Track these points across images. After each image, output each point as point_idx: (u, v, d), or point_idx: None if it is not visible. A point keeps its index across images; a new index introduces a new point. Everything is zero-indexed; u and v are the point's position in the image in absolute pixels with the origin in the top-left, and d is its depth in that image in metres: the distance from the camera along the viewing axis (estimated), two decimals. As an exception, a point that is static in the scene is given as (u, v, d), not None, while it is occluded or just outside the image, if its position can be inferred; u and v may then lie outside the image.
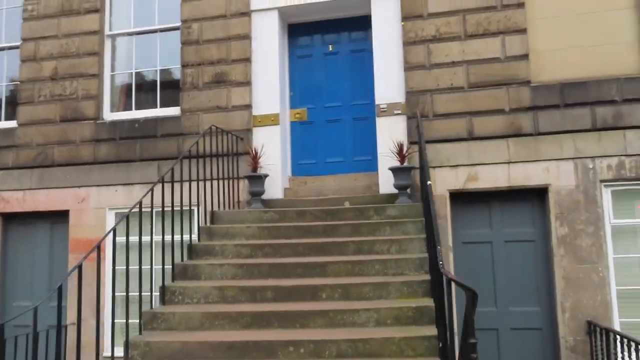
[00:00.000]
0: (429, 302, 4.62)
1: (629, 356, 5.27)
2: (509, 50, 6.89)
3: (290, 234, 5.97)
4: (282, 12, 7.67)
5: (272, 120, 7.40)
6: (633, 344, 5.24)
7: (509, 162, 6.70)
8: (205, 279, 5.53)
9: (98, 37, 8.11)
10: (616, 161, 6.50)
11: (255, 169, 7.04)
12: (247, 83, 7.50)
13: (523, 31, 6.90)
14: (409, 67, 7.08)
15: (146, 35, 8.15)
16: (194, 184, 5.92)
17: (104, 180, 7.78)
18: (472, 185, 6.74)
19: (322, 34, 7.83)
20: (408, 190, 6.61)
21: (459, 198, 6.87)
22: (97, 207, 7.76)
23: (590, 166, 6.53)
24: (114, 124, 7.92)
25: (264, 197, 7.08)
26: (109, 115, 8.09)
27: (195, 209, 6.72)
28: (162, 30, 8.07)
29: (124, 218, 4.91)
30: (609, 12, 6.86)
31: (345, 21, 7.75)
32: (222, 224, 6.42)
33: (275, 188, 7.24)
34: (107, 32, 8.23)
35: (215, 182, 6.74)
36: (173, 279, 5.50)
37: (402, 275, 5.13)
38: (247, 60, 7.54)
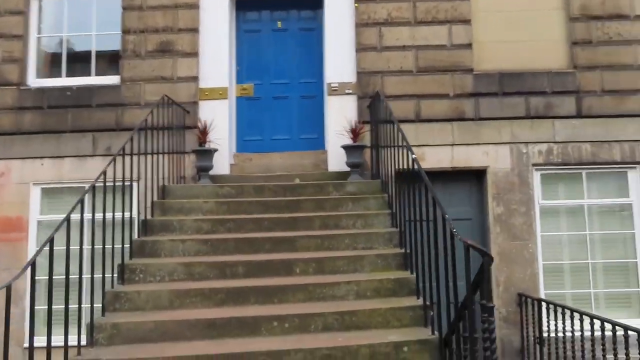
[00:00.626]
0: (406, 274, 4.80)
1: (563, 323, 5.80)
2: (454, 39, 7.22)
3: (252, 209, 5.87)
4: (231, -16, 7.45)
5: (220, 94, 7.19)
6: (568, 312, 5.77)
7: (452, 145, 7.07)
8: (166, 256, 5.28)
9: (23, -5, 7.38)
10: (546, 147, 7.08)
11: (203, 143, 6.81)
12: (195, 54, 7.21)
13: (468, 22, 7.27)
14: (361, 48, 7.19)
15: (81, -4, 7.55)
16: (135, 158, 5.58)
17: (28, 153, 7.11)
18: (419, 166, 7.00)
19: (271, 10, 7.69)
20: (359, 169, 6.75)
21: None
22: (20, 182, 7.08)
23: (524, 151, 7.06)
24: (42, 90, 7.26)
25: (211, 172, 6.87)
26: (34, 82, 7.40)
27: (135, 184, 6.33)
28: (99, -7, 7.51)
29: (91, 189, 4.53)
30: (542, 11, 7.43)
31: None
32: (175, 199, 6.15)
33: (221, 164, 7.05)
34: (33, -10, 7.50)
35: (157, 157, 6.41)
36: (130, 257, 5.20)
37: (372, 249, 5.25)
38: (195, 30, 7.24)
